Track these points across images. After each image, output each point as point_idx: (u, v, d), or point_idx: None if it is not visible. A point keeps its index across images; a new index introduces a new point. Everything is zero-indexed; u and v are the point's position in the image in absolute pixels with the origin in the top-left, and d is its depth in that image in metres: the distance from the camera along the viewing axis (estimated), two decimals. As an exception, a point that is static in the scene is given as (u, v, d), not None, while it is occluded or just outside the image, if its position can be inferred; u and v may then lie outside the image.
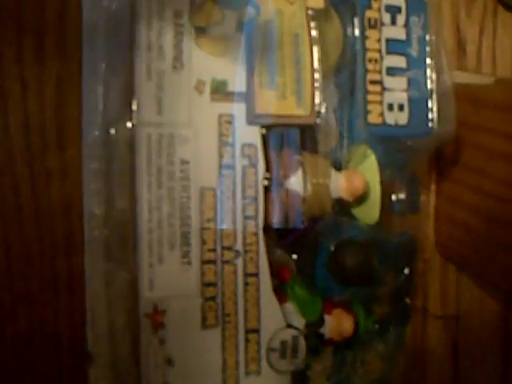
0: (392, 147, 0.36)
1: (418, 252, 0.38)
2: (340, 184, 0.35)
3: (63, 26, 0.36)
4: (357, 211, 0.37)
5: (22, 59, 0.36)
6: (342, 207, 0.36)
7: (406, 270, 0.37)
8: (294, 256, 0.35)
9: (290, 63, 0.34)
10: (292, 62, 0.34)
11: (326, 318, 0.36)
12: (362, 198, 0.36)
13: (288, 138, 0.34)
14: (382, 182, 0.36)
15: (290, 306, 0.34)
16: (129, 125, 0.31)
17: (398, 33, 0.36)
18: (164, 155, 0.31)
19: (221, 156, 0.32)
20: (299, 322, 0.34)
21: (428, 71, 0.36)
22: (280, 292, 0.35)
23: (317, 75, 0.34)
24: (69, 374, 0.37)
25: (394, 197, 0.37)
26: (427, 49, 0.36)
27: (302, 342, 0.34)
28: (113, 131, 0.31)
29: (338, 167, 0.36)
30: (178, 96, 0.31)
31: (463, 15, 0.43)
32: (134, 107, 0.31)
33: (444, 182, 0.41)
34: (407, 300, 0.37)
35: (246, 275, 0.33)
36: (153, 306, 0.31)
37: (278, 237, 0.35)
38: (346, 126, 0.35)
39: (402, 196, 0.37)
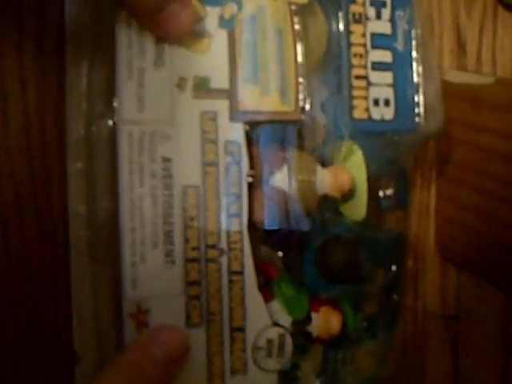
0: (379, 143, 0.36)
1: (406, 249, 0.37)
2: (326, 180, 0.35)
3: (63, 26, 0.36)
4: (344, 208, 0.37)
5: (22, 59, 0.36)
6: (329, 204, 0.36)
7: (394, 267, 0.36)
8: (280, 253, 0.35)
9: (273, 59, 0.33)
10: (275, 57, 0.33)
11: (314, 315, 0.35)
12: (349, 195, 0.36)
13: (273, 135, 0.34)
14: (368, 179, 0.36)
15: (276, 304, 0.34)
16: (110, 123, 0.31)
17: (384, 27, 0.36)
18: (146, 153, 0.31)
19: (204, 153, 0.32)
20: (286, 320, 0.34)
21: (414, 65, 0.36)
22: (266, 290, 0.34)
23: (301, 71, 0.34)
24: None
25: (381, 193, 0.37)
26: (413, 43, 0.36)
27: (289, 341, 0.33)
28: (95, 129, 0.31)
29: (325, 163, 0.36)
30: (160, 93, 0.31)
31: (463, 15, 0.43)
32: (116, 105, 0.31)
33: (444, 182, 0.41)
34: (395, 297, 0.37)
35: (231, 273, 0.32)
36: (136, 306, 0.31)
37: (264, 234, 0.35)
38: (332, 122, 0.35)
39: (389, 192, 0.37)
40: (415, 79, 0.36)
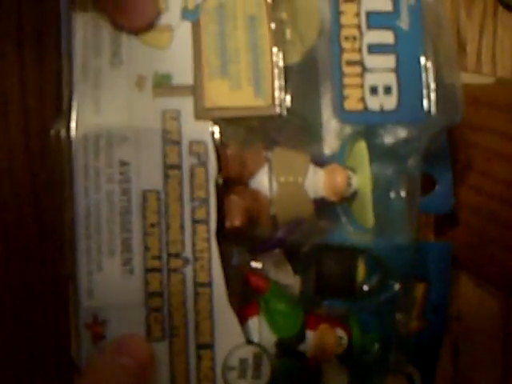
0: (378, 138, 0.31)
1: (416, 261, 0.32)
2: (320, 182, 0.31)
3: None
4: (353, 214, 0.32)
5: (22, 59, 0.37)
6: (328, 209, 0.32)
7: (399, 282, 0.31)
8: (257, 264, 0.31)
9: (245, 49, 0.30)
10: (248, 47, 0.30)
11: (309, 333, 0.31)
12: (350, 198, 0.32)
13: (252, 132, 0.31)
14: (373, 178, 0.31)
15: (258, 320, 0.31)
16: (66, 127, 0.30)
17: (383, 3, 0.31)
18: (102, 157, 0.29)
19: (165, 155, 0.30)
20: (268, 338, 0.31)
21: (423, 46, 0.31)
22: (249, 304, 0.31)
23: (277, 61, 0.30)
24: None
25: (392, 194, 0.32)
26: (420, 20, 0.31)
27: (266, 362, 0.30)
28: (52, 133, 0.30)
29: (322, 163, 0.32)
30: (117, 94, 0.30)
31: (463, 15, 0.42)
32: (72, 108, 0.30)
33: None
34: (398, 316, 0.32)
35: (197, 285, 0.30)
36: (92, 316, 0.29)
37: (249, 244, 0.32)
38: (321, 116, 0.31)
39: (402, 194, 0.32)
40: (423, 61, 0.31)
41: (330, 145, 0.32)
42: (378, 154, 0.31)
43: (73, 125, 0.29)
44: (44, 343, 0.38)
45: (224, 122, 0.30)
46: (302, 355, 0.31)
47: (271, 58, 0.30)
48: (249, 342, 0.30)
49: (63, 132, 0.30)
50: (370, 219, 0.32)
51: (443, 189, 0.35)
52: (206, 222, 0.30)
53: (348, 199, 0.32)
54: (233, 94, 0.30)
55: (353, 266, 0.31)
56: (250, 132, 0.31)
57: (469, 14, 0.42)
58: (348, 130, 0.31)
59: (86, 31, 0.30)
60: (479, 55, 0.42)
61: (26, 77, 0.36)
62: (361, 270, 0.31)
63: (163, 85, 0.30)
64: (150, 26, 0.30)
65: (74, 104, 0.29)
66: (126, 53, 0.30)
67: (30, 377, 0.38)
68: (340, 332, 0.32)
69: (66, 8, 0.30)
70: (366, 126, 0.31)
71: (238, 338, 0.30)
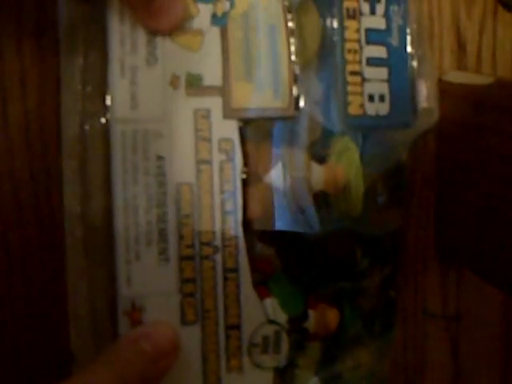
0: (373, 139, 0.36)
1: (403, 245, 0.37)
2: (321, 177, 0.35)
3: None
4: (340, 204, 0.37)
5: (22, 59, 0.36)
6: (324, 200, 0.36)
7: (390, 263, 0.36)
8: (273, 250, 0.35)
9: (266, 55, 0.33)
10: (269, 54, 0.33)
11: (311, 312, 0.35)
12: (343, 191, 0.36)
13: (267, 132, 0.34)
14: (363, 175, 0.36)
15: (272, 301, 0.34)
16: (103, 121, 0.31)
17: (378, 22, 0.35)
18: (139, 151, 0.31)
19: (197, 151, 0.32)
20: (281, 317, 0.34)
21: (409, 61, 0.36)
22: (262, 287, 0.34)
23: (294, 67, 0.33)
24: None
25: (377, 189, 0.37)
26: (408, 38, 0.36)
27: (285, 337, 0.33)
28: (88, 128, 0.31)
29: (320, 160, 0.36)
30: (153, 91, 0.31)
31: (463, 15, 0.43)
32: (108, 103, 0.31)
33: (444, 182, 0.41)
34: (392, 293, 0.37)
35: (226, 271, 0.32)
36: (131, 304, 0.31)
37: (259, 231, 0.35)
38: (327, 119, 0.35)
39: (385, 188, 0.37)
40: (410, 75, 0.36)
41: (327, 144, 0.36)
42: (368, 151, 0.36)
43: (111, 120, 0.31)
44: (43, 342, 0.37)
45: (245, 121, 0.33)
46: (305, 332, 0.35)
47: (289, 64, 0.33)
48: (269, 321, 0.33)
49: (100, 126, 0.31)
50: (358, 209, 0.36)
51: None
52: (234, 212, 0.32)
53: (339, 191, 0.36)
54: (255, 96, 0.33)
55: (353, 250, 0.35)
56: (263, 131, 0.34)
57: (469, 14, 0.43)
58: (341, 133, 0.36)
59: (122, 27, 0.31)
60: (479, 55, 0.43)
61: (25, 77, 0.36)
62: (358, 254, 0.36)
63: (195, 85, 0.32)
64: (177, 27, 0.32)
65: (112, 99, 0.31)
66: (161, 52, 0.31)
67: (28, 376, 0.37)
68: (335, 310, 0.36)
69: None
70: (364, 129, 0.35)
71: (261, 317, 0.33)
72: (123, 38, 0.31)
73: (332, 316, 0.35)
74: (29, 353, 0.37)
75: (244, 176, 0.33)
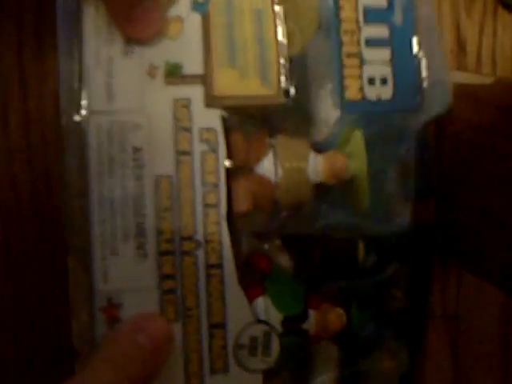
0: (380, 125, 0.33)
1: (416, 242, 0.34)
2: (320, 167, 0.33)
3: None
4: (348, 198, 0.34)
5: (22, 59, 0.37)
6: (327, 193, 0.34)
7: (397, 261, 0.33)
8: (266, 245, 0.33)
9: (252, 40, 0.32)
10: (255, 39, 0.32)
11: (311, 312, 0.33)
12: (348, 183, 0.34)
13: (257, 120, 0.32)
14: (369, 164, 0.33)
15: (265, 300, 0.32)
16: (79, 115, 0.30)
17: (378, 0, 0.33)
18: (115, 143, 0.30)
19: (177, 142, 0.31)
20: (275, 317, 0.32)
21: (415, 40, 0.33)
22: (257, 286, 0.33)
23: (283, 52, 0.32)
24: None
25: (386, 180, 0.34)
26: (413, 16, 0.33)
27: (275, 339, 0.31)
28: (64, 122, 0.31)
29: (320, 149, 0.33)
30: (130, 82, 0.30)
31: (463, 15, 0.43)
32: (84, 96, 0.30)
33: (443, 181, 0.39)
34: (397, 294, 0.34)
35: (209, 267, 0.31)
36: (107, 300, 0.30)
37: (253, 226, 0.33)
38: (322, 105, 0.33)
39: (394, 179, 0.34)
40: (416, 54, 0.33)
41: (327, 132, 0.34)
42: (373, 140, 0.33)
43: (86, 112, 0.30)
44: (43, 342, 0.38)
45: (231, 110, 0.32)
46: (305, 333, 0.33)
47: (277, 48, 0.32)
48: (258, 320, 0.31)
49: (76, 119, 0.30)
50: (365, 203, 0.33)
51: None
52: (217, 206, 0.31)
53: (344, 184, 0.34)
54: (240, 83, 0.31)
55: (354, 247, 0.33)
56: (254, 120, 0.33)
57: (469, 14, 0.43)
58: (345, 119, 0.33)
59: (97, 19, 0.30)
60: (479, 55, 0.43)
61: (25, 77, 0.36)
62: (360, 250, 0.33)
63: (174, 74, 0.31)
64: (156, 36, 0.31)
65: (87, 91, 0.30)
66: (138, 42, 0.31)
67: (29, 373, 0.38)
68: (340, 310, 0.33)
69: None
70: (364, 114, 0.33)
71: (248, 317, 0.31)
72: (98, 28, 0.30)
73: (334, 316, 0.33)
74: (29, 351, 0.37)
75: (230, 166, 0.31)
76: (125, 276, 0.30)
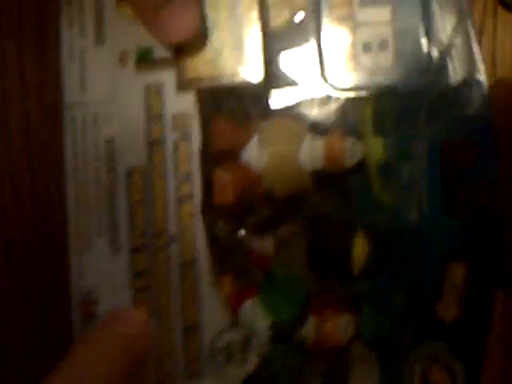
0: (387, 100, 0.28)
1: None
2: (319, 151, 0.29)
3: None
4: (362, 187, 0.29)
5: (22, 59, 0.37)
6: (331, 181, 0.29)
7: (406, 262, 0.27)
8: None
9: (228, 15, 0.29)
10: (231, 14, 0.28)
11: (311, 318, 0.29)
12: (355, 169, 0.29)
13: (237, 102, 0.29)
14: (380, 146, 0.28)
15: (253, 303, 0.29)
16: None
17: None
18: (89, 136, 0.29)
19: (149, 131, 0.29)
20: (261, 321, 0.28)
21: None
22: (247, 287, 0.29)
23: (261, 26, 0.28)
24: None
25: (400, 163, 0.28)
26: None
27: (256, 345, 0.28)
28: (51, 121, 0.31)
29: (321, 132, 0.29)
30: (101, 72, 0.29)
31: None
32: (61, 90, 0.30)
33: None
34: (399, 297, 0.28)
35: (182, 264, 0.28)
36: (83, 295, 0.29)
37: (244, 219, 0.30)
38: (313, 80, 0.28)
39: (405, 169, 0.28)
40: (429, 10, 0.27)
41: (329, 111, 0.29)
42: (383, 119, 0.28)
43: (62, 107, 0.30)
44: (43, 341, 0.38)
45: (213, 93, 0.29)
46: (301, 342, 0.29)
47: (254, 23, 0.28)
48: (238, 324, 0.28)
49: (55, 114, 0.30)
50: (377, 192, 0.28)
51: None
52: (191, 197, 0.29)
53: (352, 170, 0.29)
54: (215, 62, 0.29)
55: (348, 241, 0.28)
56: (242, 102, 0.29)
57: None
58: (350, 95, 0.29)
59: (70, 9, 0.30)
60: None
61: (25, 77, 0.37)
62: (358, 246, 0.28)
63: (145, 58, 0.29)
64: (194, 39, 0.29)
65: (62, 85, 0.30)
66: (109, 30, 0.29)
67: (30, 368, 0.39)
68: (347, 317, 0.29)
69: None
70: (369, 89, 0.28)
71: (225, 319, 0.28)
72: (71, 20, 0.30)
73: (333, 324, 0.28)
74: (29, 349, 0.38)
75: (205, 154, 0.28)
76: (100, 272, 0.29)
